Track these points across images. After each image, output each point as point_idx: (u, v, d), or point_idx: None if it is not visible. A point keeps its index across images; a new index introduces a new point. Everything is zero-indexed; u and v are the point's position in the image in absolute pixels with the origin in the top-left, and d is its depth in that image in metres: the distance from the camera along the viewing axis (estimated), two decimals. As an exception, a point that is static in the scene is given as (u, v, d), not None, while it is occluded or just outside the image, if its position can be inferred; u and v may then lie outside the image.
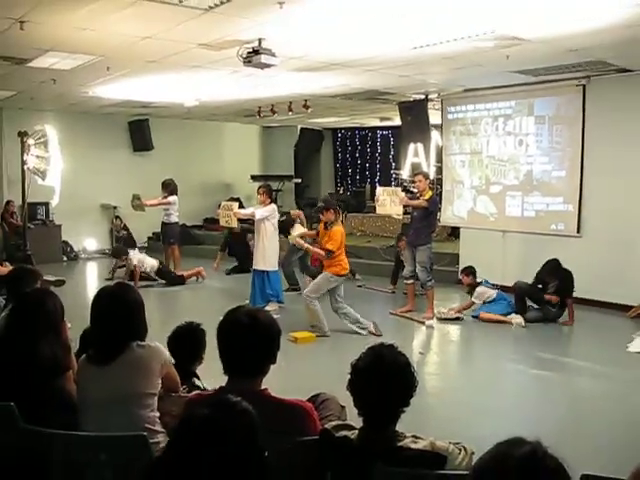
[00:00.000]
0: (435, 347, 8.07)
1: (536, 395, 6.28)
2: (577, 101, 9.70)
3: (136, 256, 11.42)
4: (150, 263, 11.48)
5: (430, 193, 8.94)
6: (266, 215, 9.04)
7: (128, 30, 7.09)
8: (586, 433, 5.21)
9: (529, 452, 1.44)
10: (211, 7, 6.17)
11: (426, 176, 9.22)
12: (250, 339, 2.54)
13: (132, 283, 10.71)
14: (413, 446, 2.33)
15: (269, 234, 9.12)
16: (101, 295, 3.13)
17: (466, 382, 6.79)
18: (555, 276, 8.33)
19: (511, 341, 7.32)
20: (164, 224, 12.11)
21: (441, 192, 12.14)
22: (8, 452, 2.72)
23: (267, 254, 9.13)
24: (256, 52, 7.27)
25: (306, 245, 8.31)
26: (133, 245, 15.35)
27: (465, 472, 2.38)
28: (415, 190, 9.30)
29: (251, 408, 1.79)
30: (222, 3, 6.04)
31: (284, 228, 9.51)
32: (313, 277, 8.28)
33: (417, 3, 6.01)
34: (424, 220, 8.76)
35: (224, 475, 1.65)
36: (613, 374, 6.59)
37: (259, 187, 9.45)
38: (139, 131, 15.84)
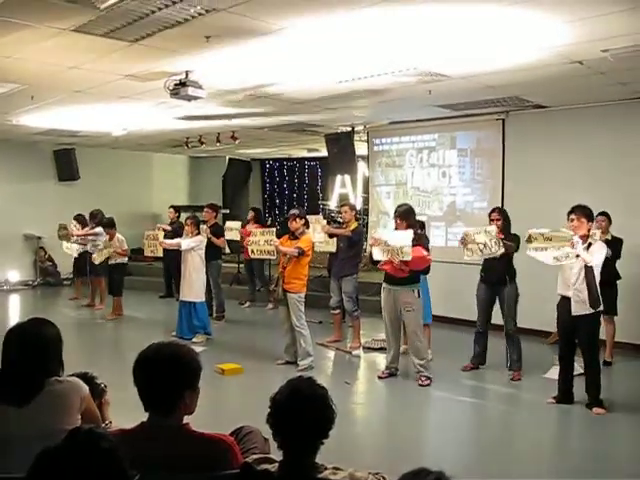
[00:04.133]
0: (362, 377, 8.15)
1: (460, 422, 6.41)
2: (497, 135, 10.08)
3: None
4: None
5: (356, 224, 9.08)
6: (193, 246, 9.02)
7: (53, 59, 7.02)
8: (508, 457, 5.37)
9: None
10: (137, 39, 6.19)
11: (352, 207, 9.36)
12: (163, 375, 2.53)
13: None
14: (332, 477, 2.37)
15: (196, 265, 9.10)
16: (11, 334, 3.00)
17: (392, 411, 6.90)
18: None
19: (436, 367, 7.45)
20: (90, 255, 11.93)
21: (367, 222, 12.32)
22: None
23: (194, 285, 9.09)
24: (183, 84, 7.30)
25: (277, 243, 8.08)
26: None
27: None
28: (341, 220, 9.42)
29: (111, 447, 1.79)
30: (148, 35, 6.07)
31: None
32: (278, 302, 8.14)
33: (341, 39, 6.15)
34: (350, 250, 8.88)
35: None
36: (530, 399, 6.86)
37: (186, 218, 9.46)
38: (65, 160, 15.56)
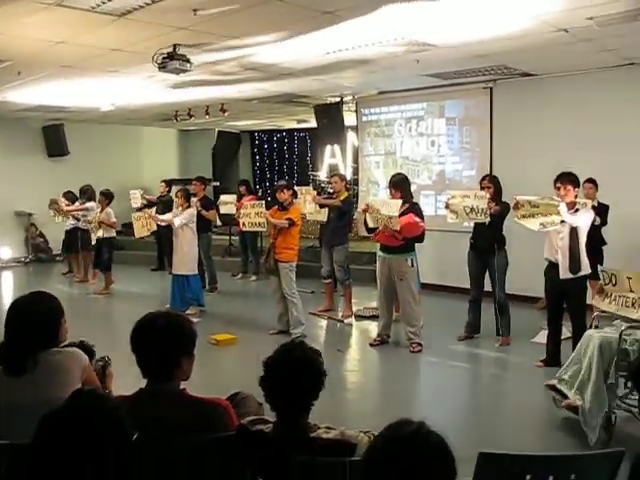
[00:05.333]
0: (354, 344, 8.28)
1: (449, 385, 6.55)
2: (485, 103, 10.13)
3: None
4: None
5: (346, 194, 9.15)
6: (185, 222, 9.05)
7: (40, 35, 7.00)
8: (496, 416, 5.52)
9: (414, 430, 1.62)
10: (124, 13, 6.20)
11: (342, 177, 9.43)
12: (160, 342, 2.63)
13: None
14: (325, 436, 2.48)
15: (188, 238, 9.13)
16: (12, 306, 3.12)
17: (384, 377, 7.05)
18: None
19: (427, 335, 7.57)
20: (81, 230, 11.98)
21: (357, 192, 12.39)
22: None
23: (186, 258, 9.14)
24: (171, 58, 7.32)
25: (268, 215, 8.14)
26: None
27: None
28: (332, 191, 9.48)
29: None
30: (135, 10, 6.07)
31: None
32: (270, 273, 8.22)
33: (329, 9, 6.17)
34: (340, 220, 8.96)
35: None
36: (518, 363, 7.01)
37: (177, 191, 9.49)
38: (54, 136, 15.50)
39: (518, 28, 6.79)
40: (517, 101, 9.76)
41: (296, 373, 2.50)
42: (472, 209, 7.17)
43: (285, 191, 8.06)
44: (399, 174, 7.88)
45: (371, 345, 7.68)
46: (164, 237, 11.39)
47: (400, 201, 7.20)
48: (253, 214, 8.46)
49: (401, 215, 7.12)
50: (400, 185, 7.47)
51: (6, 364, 3.00)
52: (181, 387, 2.69)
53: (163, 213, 10.20)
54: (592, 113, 8.93)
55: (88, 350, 3.47)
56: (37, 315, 3.04)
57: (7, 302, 11.03)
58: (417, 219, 7.23)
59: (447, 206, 7.40)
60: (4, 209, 14.73)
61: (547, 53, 7.96)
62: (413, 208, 7.36)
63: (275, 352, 2.61)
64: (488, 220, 7.14)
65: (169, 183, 13.46)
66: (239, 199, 11.58)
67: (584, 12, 6.13)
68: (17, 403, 2.90)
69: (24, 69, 8.82)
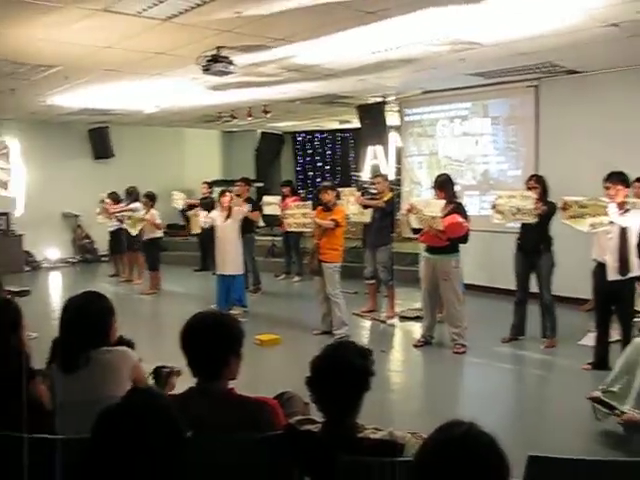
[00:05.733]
0: (397, 345, 8.25)
1: (495, 387, 6.48)
2: (530, 102, 9.99)
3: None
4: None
5: (389, 195, 9.11)
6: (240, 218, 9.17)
7: (86, 40, 7.13)
8: (543, 419, 5.43)
9: (465, 430, 1.60)
10: (169, 17, 6.27)
11: (385, 178, 9.40)
12: (209, 341, 2.67)
13: None
14: (372, 436, 2.48)
15: (232, 238, 9.17)
16: (67, 305, 3.19)
17: (428, 378, 7.01)
18: None
19: (471, 336, 7.50)
20: (125, 231, 12.17)
21: (400, 193, 12.33)
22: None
23: (232, 258, 9.20)
24: (214, 60, 7.39)
25: (314, 216, 8.13)
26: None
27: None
28: (375, 191, 9.46)
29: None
30: (180, 13, 6.14)
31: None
32: (314, 274, 8.23)
33: (375, 9, 6.16)
34: (384, 221, 8.92)
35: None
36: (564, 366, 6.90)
37: (220, 192, 9.50)
38: (99, 139, 15.76)
39: (566, 24, 6.67)
40: (563, 99, 9.58)
41: (343, 373, 2.50)
42: (519, 209, 7.06)
43: (329, 192, 8.07)
44: (443, 174, 7.82)
45: (415, 346, 7.63)
46: (208, 238, 11.50)
47: (443, 201, 7.16)
48: (299, 214, 8.47)
49: (445, 215, 7.07)
50: (444, 185, 7.42)
51: (60, 361, 3.07)
52: (229, 386, 2.72)
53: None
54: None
55: (127, 344, 3.53)
56: (91, 314, 3.11)
57: (56, 301, 11.31)
58: (461, 219, 7.16)
59: (493, 206, 7.30)
60: (52, 211, 15.00)
61: (595, 49, 7.80)
62: (457, 208, 7.30)
63: (322, 352, 2.61)
64: (535, 221, 7.03)
65: (211, 184, 13.60)
66: (283, 200, 11.62)
67: (635, 6, 6.01)
68: (69, 399, 2.98)
69: (71, 74, 8.99)
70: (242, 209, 9.25)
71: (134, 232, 11.52)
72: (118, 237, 12.70)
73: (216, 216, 9.25)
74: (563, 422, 5.41)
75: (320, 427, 2.55)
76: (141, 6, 5.90)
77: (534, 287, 7.53)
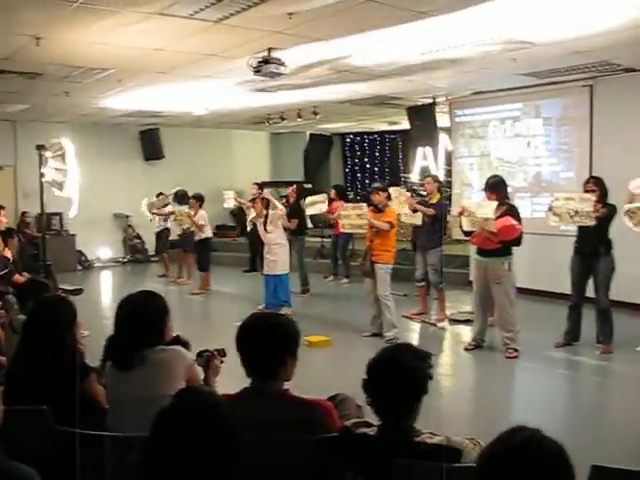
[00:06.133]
0: (447, 349, 8.16)
1: (548, 392, 6.36)
2: (584, 102, 9.78)
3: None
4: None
5: (438, 196, 9.01)
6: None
7: (139, 43, 7.23)
8: (599, 427, 5.30)
9: (528, 436, 1.56)
10: (220, 19, 6.31)
11: (435, 179, 9.30)
12: (266, 341, 2.66)
13: None
14: (429, 441, 2.44)
15: (278, 239, 9.32)
16: (123, 304, 3.22)
17: (480, 382, 6.91)
18: None
19: (523, 340, 7.37)
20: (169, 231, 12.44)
21: (450, 195, 12.22)
22: (41, 454, 2.83)
23: (275, 259, 9.31)
24: (266, 62, 7.40)
25: (371, 219, 8.02)
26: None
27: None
28: (424, 193, 9.36)
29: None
30: (232, 15, 6.17)
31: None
32: (365, 275, 8.25)
33: (427, 9, 6.11)
34: (434, 224, 8.82)
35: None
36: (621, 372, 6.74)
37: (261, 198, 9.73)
38: (150, 140, 16.01)
39: (622, 20, 6.50)
40: (620, 98, 9.34)
41: (401, 375, 2.46)
42: (576, 212, 6.87)
43: (380, 193, 8.04)
44: (495, 176, 7.68)
45: (466, 350, 7.54)
46: (256, 239, 11.58)
47: (495, 203, 7.03)
48: (354, 215, 8.40)
49: (498, 218, 6.96)
50: (496, 187, 7.30)
51: (116, 359, 3.10)
52: (284, 387, 2.70)
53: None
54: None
55: (184, 344, 3.55)
56: (146, 313, 3.14)
57: (107, 300, 11.50)
58: (514, 222, 7.03)
59: (550, 208, 7.13)
60: (104, 211, 15.27)
61: (653, 47, 7.61)
62: (510, 211, 7.17)
63: (379, 354, 2.58)
64: (593, 223, 6.85)
65: (261, 186, 13.63)
66: (330, 203, 11.61)
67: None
68: (124, 398, 3.00)
69: (124, 76, 9.13)
70: (278, 212, 9.32)
71: (179, 230, 11.70)
72: (164, 237, 12.92)
73: (256, 220, 9.52)
74: (622, 431, 5.27)
75: (376, 430, 2.52)
76: (193, 8, 5.94)
77: (590, 291, 7.34)
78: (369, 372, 2.54)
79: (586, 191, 7.06)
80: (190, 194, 12.20)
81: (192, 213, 11.51)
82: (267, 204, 9.51)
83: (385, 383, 2.48)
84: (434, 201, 8.87)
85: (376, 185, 8.31)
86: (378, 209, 8.01)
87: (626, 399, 5.98)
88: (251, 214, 10.01)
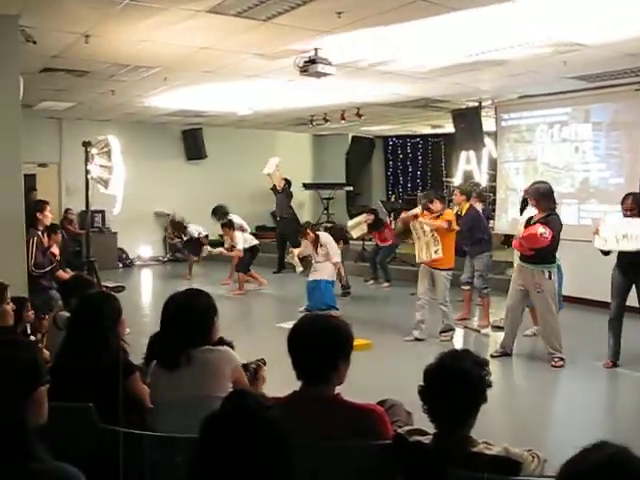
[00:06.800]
0: (489, 356, 7.98)
1: (595, 404, 6.18)
2: (636, 106, 9.54)
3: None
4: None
5: (467, 206, 8.85)
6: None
7: (186, 41, 7.24)
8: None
9: (613, 453, 1.46)
10: (269, 18, 6.27)
11: (463, 191, 9.14)
12: (320, 343, 2.59)
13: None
14: (487, 452, 2.35)
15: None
16: (170, 302, 3.18)
17: (524, 388, 6.76)
18: None
19: (569, 346, 7.19)
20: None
21: (495, 199, 12.06)
22: (85, 452, 2.80)
23: (327, 266, 9.46)
24: (312, 61, 7.36)
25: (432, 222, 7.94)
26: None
27: (538, 479, 2.39)
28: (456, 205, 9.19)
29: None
30: (280, 14, 6.13)
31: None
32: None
33: (476, 10, 6.00)
34: (472, 230, 8.63)
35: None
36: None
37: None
38: (193, 140, 16.09)
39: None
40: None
41: (460, 383, 2.38)
42: (624, 236, 6.60)
43: (439, 202, 8.02)
44: (541, 182, 7.43)
45: (492, 356, 7.32)
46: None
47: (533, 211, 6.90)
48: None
49: (529, 225, 6.80)
50: (538, 196, 7.08)
51: (162, 358, 3.05)
52: (336, 392, 2.63)
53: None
54: None
55: (228, 345, 3.51)
56: (194, 312, 3.08)
57: (148, 298, 11.55)
58: (542, 230, 6.76)
59: (597, 231, 6.89)
60: (145, 209, 15.34)
61: None
62: (546, 219, 6.92)
63: (437, 360, 2.50)
64: (637, 249, 6.50)
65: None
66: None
67: None
68: (170, 397, 2.96)
69: (170, 75, 9.16)
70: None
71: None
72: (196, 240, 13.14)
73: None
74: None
75: (431, 439, 2.43)
76: (242, 7, 5.92)
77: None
78: (427, 378, 2.45)
79: (626, 210, 6.76)
80: (231, 194, 12.29)
81: (226, 247, 11.80)
82: (316, 240, 9.59)
83: (445, 390, 2.39)
84: (463, 212, 8.75)
85: (431, 195, 8.20)
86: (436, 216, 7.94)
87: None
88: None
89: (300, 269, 10.32)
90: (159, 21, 6.37)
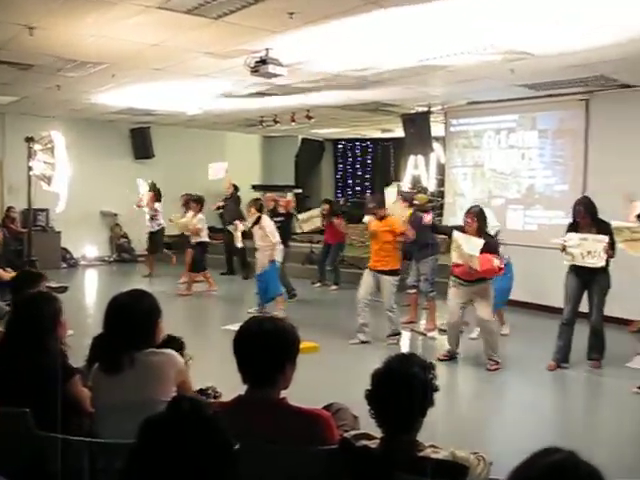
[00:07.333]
0: (435, 359, 8.03)
1: (540, 406, 6.27)
2: (580, 116, 9.76)
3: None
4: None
5: (409, 212, 8.72)
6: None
7: (136, 37, 7.11)
8: (589, 441, 5.21)
9: (562, 459, 1.45)
10: (220, 16, 6.20)
11: (405, 197, 9.15)
12: (267, 345, 2.54)
13: None
14: (433, 456, 2.33)
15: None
16: (112, 303, 3.09)
17: (471, 391, 6.84)
18: None
19: (510, 351, 7.29)
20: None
21: (442, 204, 12.17)
22: (22, 459, 2.71)
23: (260, 257, 9.51)
24: (263, 62, 7.30)
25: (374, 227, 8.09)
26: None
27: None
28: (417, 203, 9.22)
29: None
30: (231, 12, 6.07)
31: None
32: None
33: (427, 17, 6.03)
34: (422, 236, 8.66)
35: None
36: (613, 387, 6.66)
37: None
38: (141, 139, 15.85)
39: (623, 36, 6.48)
40: (616, 114, 9.33)
41: (408, 387, 2.36)
42: (589, 252, 6.76)
43: (377, 212, 8.07)
44: (477, 205, 7.59)
45: (439, 359, 7.39)
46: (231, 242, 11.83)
47: (482, 241, 6.93)
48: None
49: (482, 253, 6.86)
50: (480, 215, 7.20)
51: (104, 361, 2.97)
52: (281, 396, 2.58)
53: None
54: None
55: (177, 343, 3.45)
56: (138, 314, 3.00)
57: (92, 299, 11.34)
58: (497, 262, 6.90)
59: (564, 248, 6.91)
60: (91, 209, 15.06)
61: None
62: (490, 246, 7.02)
63: (384, 364, 2.48)
64: (602, 264, 6.69)
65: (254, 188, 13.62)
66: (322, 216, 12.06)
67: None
68: (111, 401, 2.88)
69: (118, 72, 8.99)
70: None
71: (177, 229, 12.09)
72: (158, 237, 12.81)
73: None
74: (609, 444, 5.18)
75: (378, 443, 2.41)
76: (192, 4, 5.84)
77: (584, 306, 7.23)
78: (375, 382, 2.43)
79: (582, 217, 6.94)
80: (179, 195, 12.15)
81: (190, 218, 11.58)
82: (258, 220, 9.59)
83: (392, 394, 2.38)
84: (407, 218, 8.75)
85: (372, 205, 8.23)
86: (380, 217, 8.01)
87: (619, 414, 5.90)
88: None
89: (240, 244, 10.49)
90: (109, 16, 6.22)
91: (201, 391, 3.47)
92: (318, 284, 12.49)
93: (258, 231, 9.52)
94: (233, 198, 13.49)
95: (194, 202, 11.74)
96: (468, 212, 7.27)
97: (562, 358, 7.18)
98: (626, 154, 9.08)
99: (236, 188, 13.67)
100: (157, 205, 12.83)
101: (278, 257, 9.41)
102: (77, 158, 14.20)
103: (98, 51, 7.70)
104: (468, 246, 6.92)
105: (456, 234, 7.16)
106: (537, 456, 1.48)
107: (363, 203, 17.32)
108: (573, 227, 6.99)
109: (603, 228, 6.77)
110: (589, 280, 6.97)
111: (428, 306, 8.95)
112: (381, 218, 7.99)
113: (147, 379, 2.90)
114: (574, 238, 6.89)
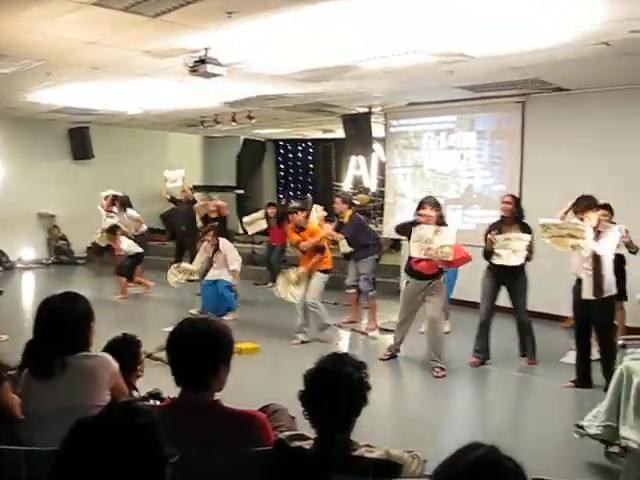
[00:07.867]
0: (377, 358, 8.08)
1: (476, 405, 6.37)
2: (516, 117, 9.98)
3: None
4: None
5: (349, 212, 8.91)
6: None
7: (72, 34, 6.95)
8: (529, 439, 5.31)
9: (483, 454, 1.47)
10: (157, 14, 6.12)
11: (344, 199, 9.11)
12: (200, 347, 2.51)
13: None
14: (368, 455, 2.35)
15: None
16: (43, 306, 3.01)
17: (407, 390, 6.92)
18: None
19: (454, 349, 7.38)
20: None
21: (383, 205, 12.26)
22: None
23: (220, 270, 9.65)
24: (202, 61, 7.24)
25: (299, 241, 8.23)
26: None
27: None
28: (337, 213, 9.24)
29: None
30: (169, 10, 6.00)
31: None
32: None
33: (364, 17, 6.06)
34: (356, 237, 8.74)
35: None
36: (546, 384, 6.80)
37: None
38: (79, 139, 15.52)
39: (559, 40, 6.64)
40: (549, 116, 9.61)
41: (340, 386, 2.37)
42: (514, 251, 6.93)
43: (299, 213, 8.15)
44: (431, 196, 7.62)
45: (381, 359, 7.44)
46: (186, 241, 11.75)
47: (454, 229, 6.98)
48: None
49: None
50: (439, 205, 7.22)
51: (34, 367, 2.89)
52: (215, 398, 2.56)
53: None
54: (629, 131, 8.71)
55: (133, 342, 3.43)
56: (70, 317, 2.93)
57: (29, 302, 11.07)
58: (465, 250, 7.03)
59: (492, 250, 7.09)
60: (27, 210, 14.70)
61: (584, 67, 7.77)
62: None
63: (317, 364, 2.48)
64: (520, 262, 6.98)
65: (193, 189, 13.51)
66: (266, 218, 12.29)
67: (628, 24, 5.97)
68: (43, 408, 2.81)
69: (54, 70, 8.80)
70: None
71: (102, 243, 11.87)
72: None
73: None
74: (542, 440, 5.28)
75: (312, 444, 2.41)
76: (129, 1, 5.75)
77: (500, 300, 7.39)
78: (307, 383, 2.43)
79: (509, 213, 7.17)
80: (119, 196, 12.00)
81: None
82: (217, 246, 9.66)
83: (325, 394, 2.38)
84: (347, 220, 8.81)
85: (294, 205, 8.35)
86: (300, 228, 8.10)
87: (551, 410, 6.03)
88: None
89: (176, 279, 9.99)
90: (44, 11, 6.05)
91: (150, 395, 3.41)
92: (270, 284, 12.34)
93: (218, 256, 9.59)
94: (188, 201, 13.32)
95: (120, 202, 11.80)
96: (424, 204, 7.11)
97: (485, 356, 7.33)
98: (560, 155, 9.34)
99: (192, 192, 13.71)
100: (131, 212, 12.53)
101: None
102: (12, 158, 13.99)
103: (32, 48, 7.51)
104: (439, 239, 6.84)
105: (424, 230, 6.97)
106: (460, 452, 1.50)
107: (305, 203, 17.40)
108: (497, 225, 7.20)
109: (526, 228, 7.05)
110: (508, 279, 7.15)
111: (369, 305, 9.00)
112: (301, 229, 8.13)
113: (79, 384, 2.84)
114: (499, 239, 7.05)
